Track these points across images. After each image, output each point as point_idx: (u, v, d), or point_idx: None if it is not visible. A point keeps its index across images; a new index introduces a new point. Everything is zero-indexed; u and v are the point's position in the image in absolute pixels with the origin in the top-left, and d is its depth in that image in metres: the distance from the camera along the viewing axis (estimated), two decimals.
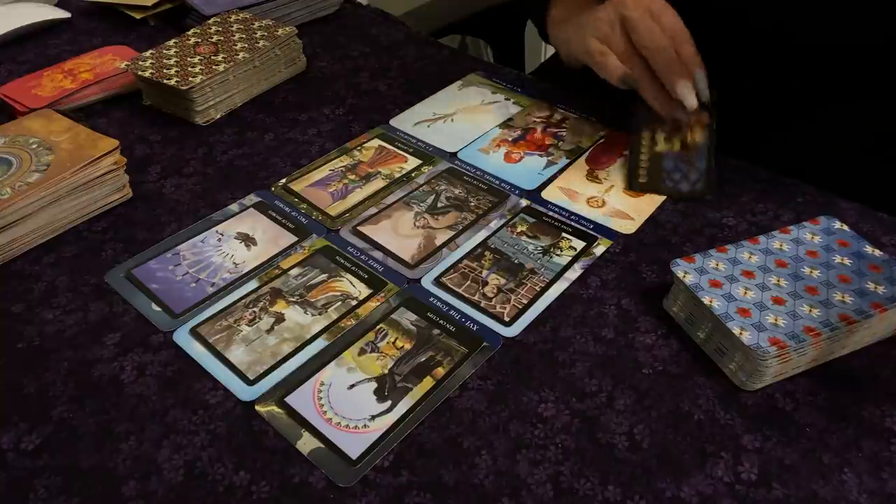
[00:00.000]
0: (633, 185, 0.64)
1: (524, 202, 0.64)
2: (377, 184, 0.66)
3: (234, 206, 0.64)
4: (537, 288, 0.55)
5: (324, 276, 0.57)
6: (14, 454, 0.45)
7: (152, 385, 0.49)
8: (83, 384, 0.49)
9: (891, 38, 0.61)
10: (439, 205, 0.64)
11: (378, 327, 0.52)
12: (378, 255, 0.58)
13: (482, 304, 0.54)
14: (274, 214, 0.63)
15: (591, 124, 0.74)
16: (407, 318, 0.53)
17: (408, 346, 0.51)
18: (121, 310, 0.54)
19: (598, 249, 0.58)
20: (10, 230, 0.58)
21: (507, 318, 0.52)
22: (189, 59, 0.77)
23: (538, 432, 0.45)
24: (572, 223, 0.61)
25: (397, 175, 0.67)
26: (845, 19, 0.61)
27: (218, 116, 0.76)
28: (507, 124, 0.74)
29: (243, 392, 0.48)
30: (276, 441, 0.45)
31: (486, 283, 0.55)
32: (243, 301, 0.54)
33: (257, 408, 0.47)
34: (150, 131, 0.75)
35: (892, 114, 0.67)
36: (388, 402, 0.47)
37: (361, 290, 0.55)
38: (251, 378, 0.49)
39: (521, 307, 0.53)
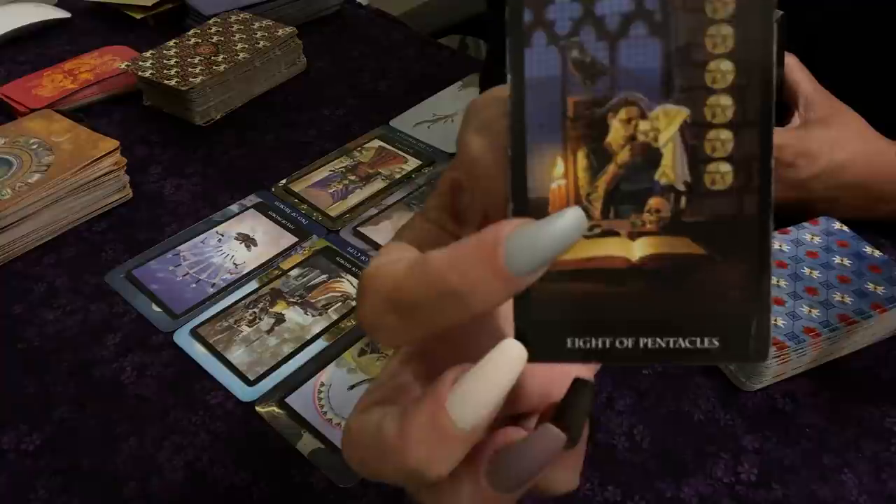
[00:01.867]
0: None
1: None
2: (377, 185, 0.66)
3: (234, 207, 0.64)
4: None
5: (324, 277, 0.57)
6: (15, 454, 0.45)
7: (153, 386, 0.49)
8: (84, 385, 0.49)
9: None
10: None
11: None
12: None
13: None
14: (274, 215, 0.63)
15: None
16: None
17: None
18: (121, 310, 0.54)
19: None
20: (10, 231, 0.58)
21: None
22: (189, 59, 0.77)
23: None
24: None
25: (397, 176, 0.67)
26: None
27: (218, 117, 0.76)
28: None
29: (243, 393, 0.48)
30: (277, 442, 0.45)
31: None
32: (243, 302, 0.54)
33: (257, 408, 0.47)
34: (150, 132, 0.74)
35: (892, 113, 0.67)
36: None
37: None
38: (251, 379, 0.49)
39: None
